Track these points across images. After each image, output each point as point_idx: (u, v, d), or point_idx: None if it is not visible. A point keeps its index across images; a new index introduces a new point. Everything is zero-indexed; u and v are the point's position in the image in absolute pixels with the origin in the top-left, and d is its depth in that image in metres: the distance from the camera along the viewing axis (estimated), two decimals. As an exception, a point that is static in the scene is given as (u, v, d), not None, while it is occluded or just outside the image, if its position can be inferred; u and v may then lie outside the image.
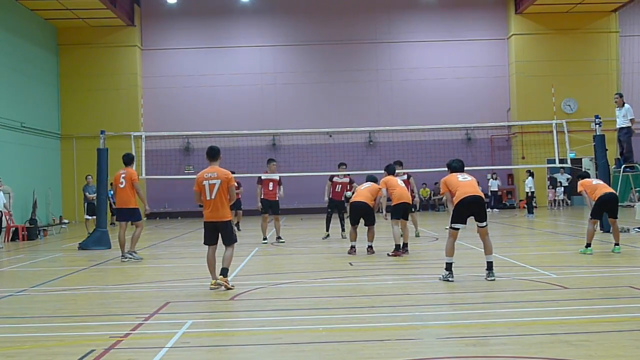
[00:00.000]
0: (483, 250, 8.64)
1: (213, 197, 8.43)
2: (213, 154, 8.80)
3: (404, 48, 31.67)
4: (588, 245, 11.28)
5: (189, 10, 31.30)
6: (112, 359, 5.19)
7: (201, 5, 31.34)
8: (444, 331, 5.95)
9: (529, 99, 30.14)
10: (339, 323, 6.29)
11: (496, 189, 29.00)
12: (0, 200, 16.95)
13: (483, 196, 8.74)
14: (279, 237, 15.40)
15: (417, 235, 15.53)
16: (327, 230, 15.89)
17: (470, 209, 8.53)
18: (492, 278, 8.38)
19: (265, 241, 15.14)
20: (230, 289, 8.31)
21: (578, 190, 11.98)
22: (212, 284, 8.49)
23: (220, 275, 8.42)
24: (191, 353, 5.42)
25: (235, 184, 12.61)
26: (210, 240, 8.58)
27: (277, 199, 15.34)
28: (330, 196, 15.60)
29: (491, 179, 28.79)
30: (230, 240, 8.55)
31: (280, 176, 15.67)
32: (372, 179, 12.83)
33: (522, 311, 6.54)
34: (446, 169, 9.20)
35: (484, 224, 8.58)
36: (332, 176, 15.82)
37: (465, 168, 9.26)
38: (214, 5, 31.38)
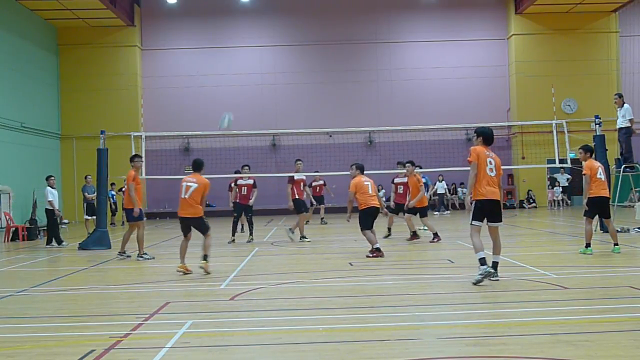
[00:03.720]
0: (492, 249, 8.51)
1: (187, 196, 10.07)
2: (196, 166, 10.56)
3: (404, 48, 31.67)
4: (588, 245, 11.22)
5: (189, 10, 31.30)
6: (112, 359, 5.19)
7: (201, 5, 31.33)
8: (444, 331, 5.95)
9: (529, 99, 30.15)
10: (339, 323, 6.29)
11: (443, 192, 28.74)
12: (53, 198, 16.59)
13: (499, 197, 8.45)
14: (303, 237, 15.46)
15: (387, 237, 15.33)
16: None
17: (489, 209, 8.29)
18: (496, 278, 8.31)
19: (308, 239, 15.21)
20: (208, 273, 9.71)
21: (583, 172, 11.48)
22: (178, 267, 9.97)
23: (202, 260, 9.82)
24: (191, 353, 5.41)
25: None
26: (184, 232, 10.33)
27: (304, 197, 15.98)
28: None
29: (437, 182, 28.16)
30: (204, 230, 10.09)
31: (306, 176, 16.07)
32: (362, 167, 12.32)
33: (522, 311, 6.53)
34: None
35: (497, 224, 8.39)
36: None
37: (465, 168, 9.15)
38: (214, 5, 31.37)
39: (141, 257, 12.51)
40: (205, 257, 9.84)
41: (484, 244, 8.31)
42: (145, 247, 12.93)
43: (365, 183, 11.95)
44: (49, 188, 16.59)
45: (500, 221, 8.43)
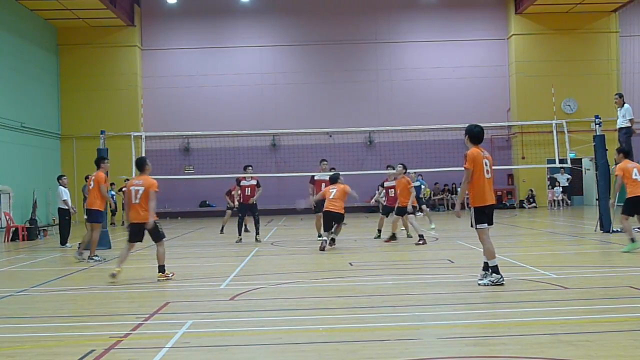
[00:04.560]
0: (483, 250, 8.54)
1: (137, 201, 9.49)
2: (139, 166, 9.93)
3: (404, 48, 31.67)
4: (632, 240, 11.11)
5: (189, 10, 31.29)
6: (112, 359, 5.19)
7: (201, 5, 31.33)
8: (444, 331, 5.95)
9: (529, 99, 30.15)
10: (339, 323, 6.29)
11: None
12: (67, 197, 16.27)
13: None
14: (320, 235, 15.40)
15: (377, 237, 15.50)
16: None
17: (488, 213, 8.32)
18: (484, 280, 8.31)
19: (321, 238, 15.17)
20: (170, 278, 9.42)
21: (615, 173, 11.62)
22: (115, 271, 9.36)
23: (159, 272, 9.45)
24: (191, 353, 5.42)
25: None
26: (134, 238, 9.69)
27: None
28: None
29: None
30: (157, 238, 9.61)
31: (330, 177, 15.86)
32: (335, 178, 13.93)
33: (522, 311, 6.53)
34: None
35: (490, 226, 8.40)
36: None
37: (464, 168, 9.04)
38: (214, 5, 31.37)
39: (92, 258, 12.48)
40: (161, 269, 9.45)
41: (477, 245, 8.30)
42: (145, 247, 12.92)
43: (330, 190, 13.68)
44: (62, 187, 16.47)
45: (492, 223, 8.39)
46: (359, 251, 12.70)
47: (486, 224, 8.22)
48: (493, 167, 8.58)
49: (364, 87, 31.28)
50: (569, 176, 29.61)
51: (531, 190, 30.34)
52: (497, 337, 5.52)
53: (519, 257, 10.93)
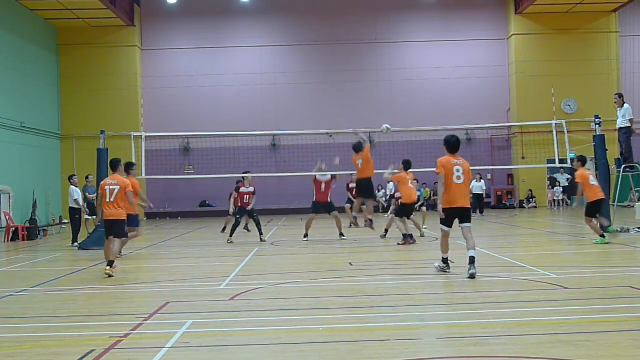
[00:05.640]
0: (467, 246, 8.93)
1: (112, 200, 10.21)
2: (113, 167, 10.66)
3: (404, 48, 31.68)
4: (602, 236, 12.23)
5: (189, 10, 31.31)
6: (112, 359, 5.19)
7: (201, 5, 31.34)
8: (444, 331, 5.95)
9: (529, 99, 30.16)
10: (339, 323, 6.28)
11: (480, 192, 25.96)
12: (79, 196, 16.36)
13: (469, 205, 9.10)
14: (341, 234, 15.61)
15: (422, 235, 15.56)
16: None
17: (458, 215, 8.98)
18: (448, 271, 9.01)
19: (306, 238, 15.41)
20: (112, 276, 9.70)
21: (576, 180, 12.70)
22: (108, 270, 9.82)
23: (107, 266, 9.88)
24: (191, 353, 5.41)
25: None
26: (109, 233, 10.34)
27: (329, 200, 15.62)
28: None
29: (475, 181, 25.09)
30: (119, 234, 10.31)
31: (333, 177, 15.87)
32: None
33: (522, 311, 6.53)
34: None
35: (467, 225, 9.00)
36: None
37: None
38: (214, 5, 31.38)
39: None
40: (110, 263, 9.90)
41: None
42: (145, 247, 12.92)
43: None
44: (73, 187, 16.46)
45: (469, 222, 9.04)
46: (359, 251, 12.70)
47: (447, 228, 9.02)
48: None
49: (364, 87, 31.29)
50: (569, 176, 29.57)
51: (531, 191, 30.35)
52: (497, 337, 5.52)
53: (519, 257, 10.93)
